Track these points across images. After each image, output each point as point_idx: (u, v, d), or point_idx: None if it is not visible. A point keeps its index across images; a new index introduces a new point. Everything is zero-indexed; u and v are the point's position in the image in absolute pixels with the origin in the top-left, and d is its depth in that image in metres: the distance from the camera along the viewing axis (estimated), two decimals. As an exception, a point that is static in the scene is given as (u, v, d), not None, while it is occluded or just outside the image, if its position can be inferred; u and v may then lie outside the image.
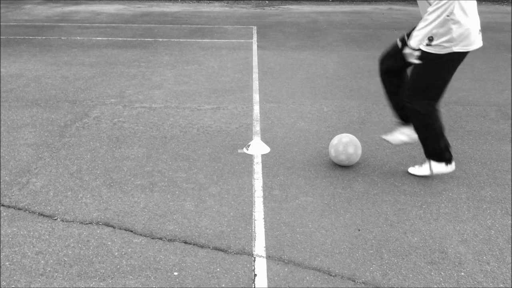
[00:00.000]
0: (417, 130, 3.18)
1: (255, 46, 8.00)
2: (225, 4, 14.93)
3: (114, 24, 10.29)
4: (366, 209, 2.93)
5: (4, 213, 2.83)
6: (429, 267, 2.40)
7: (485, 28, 10.36)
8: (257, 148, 3.74)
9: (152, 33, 9.17)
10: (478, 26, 2.91)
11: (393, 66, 3.23)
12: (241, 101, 5.00)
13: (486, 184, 3.26)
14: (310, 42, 8.62)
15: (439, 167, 3.24)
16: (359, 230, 2.70)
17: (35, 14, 11.88)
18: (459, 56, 2.93)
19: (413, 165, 3.42)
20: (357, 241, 2.60)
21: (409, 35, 3.07)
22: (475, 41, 2.90)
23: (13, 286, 2.23)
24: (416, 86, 3.05)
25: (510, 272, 2.36)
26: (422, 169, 3.31)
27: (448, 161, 3.22)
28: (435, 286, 2.26)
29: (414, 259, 2.46)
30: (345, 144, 3.37)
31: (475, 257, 2.48)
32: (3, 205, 2.92)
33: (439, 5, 2.68)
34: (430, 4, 2.77)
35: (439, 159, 3.22)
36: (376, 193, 3.12)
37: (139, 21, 10.91)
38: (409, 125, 3.38)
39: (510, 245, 2.58)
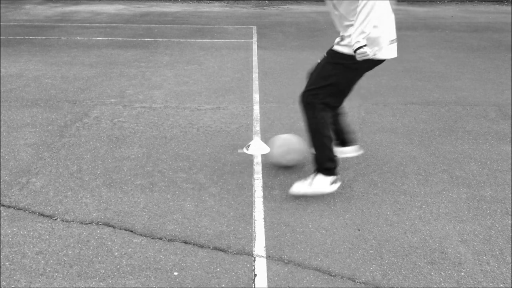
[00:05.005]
0: (309, 129, 2.92)
1: (255, 46, 8.00)
2: (225, 4, 14.94)
3: (114, 24, 10.29)
4: (366, 209, 2.93)
5: (4, 213, 2.83)
6: (429, 267, 2.40)
7: (485, 28, 10.38)
8: (257, 148, 3.73)
9: (152, 33, 9.18)
10: (390, 37, 2.73)
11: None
12: (241, 101, 5.00)
13: (486, 184, 3.26)
14: (310, 42, 8.62)
15: (321, 183, 2.95)
16: (359, 230, 2.70)
17: (35, 14, 11.88)
18: (367, 63, 2.73)
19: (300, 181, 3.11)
20: (357, 241, 2.60)
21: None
22: (386, 51, 2.72)
23: (13, 286, 2.23)
24: (317, 83, 2.83)
25: (510, 272, 2.36)
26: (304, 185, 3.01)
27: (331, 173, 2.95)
28: (435, 286, 2.26)
29: (414, 259, 2.46)
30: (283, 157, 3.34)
31: (475, 257, 2.47)
32: (3, 205, 2.91)
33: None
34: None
35: (325, 171, 2.94)
36: (376, 193, 3.12)
37: (139, 21, 10.91)
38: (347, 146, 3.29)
39: (510, 245, 2.58)
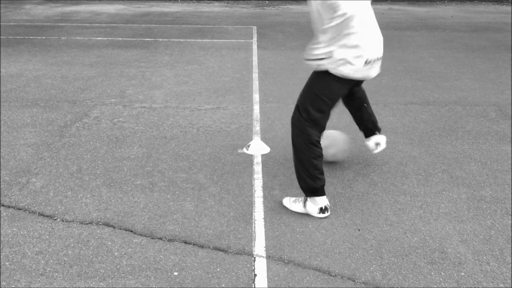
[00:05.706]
0: (294, 145, 2.83)
1: (255, 46, 8.00)
2: (225, 4, 14.93)
3: (114, 24, 10.29)
4: (366, 209, 2.93)
5: (4, 213, 2.83)
6: (429, 267, 2.40)
7: (485, 28, 10.38)
8: (257, 148, 3.74)
9: (152, 33, 9.17)
10: (366, 57, 2.60)
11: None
12: (241, 101, 5.00)
13: (486, 184, 3.26)
14: (310, 42, 8.62)
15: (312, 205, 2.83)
16: (359, 230, 2.70)
17: (35, 14, 11.88)
18: (337, 80, 2.66)
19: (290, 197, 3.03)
20: (357, 241, 2.60)
21: None
22: (359, 72, 2.63)
23: (13, 286, 2.23)
24: (301, 97, 2.80)
25: (510, 272, 2.36)
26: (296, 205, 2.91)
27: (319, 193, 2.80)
28: (435, 286, 2.26)
29: (414, 259, 2.46)
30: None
31: (475, 257, 2.48)
32: (3, 205, 2.92)
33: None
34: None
35: (307, 191, 2.81)
36: (376, 193, 3.12)
37: (139, 21, 10.90)
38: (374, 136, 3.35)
39: (510, 245, 2.58)
